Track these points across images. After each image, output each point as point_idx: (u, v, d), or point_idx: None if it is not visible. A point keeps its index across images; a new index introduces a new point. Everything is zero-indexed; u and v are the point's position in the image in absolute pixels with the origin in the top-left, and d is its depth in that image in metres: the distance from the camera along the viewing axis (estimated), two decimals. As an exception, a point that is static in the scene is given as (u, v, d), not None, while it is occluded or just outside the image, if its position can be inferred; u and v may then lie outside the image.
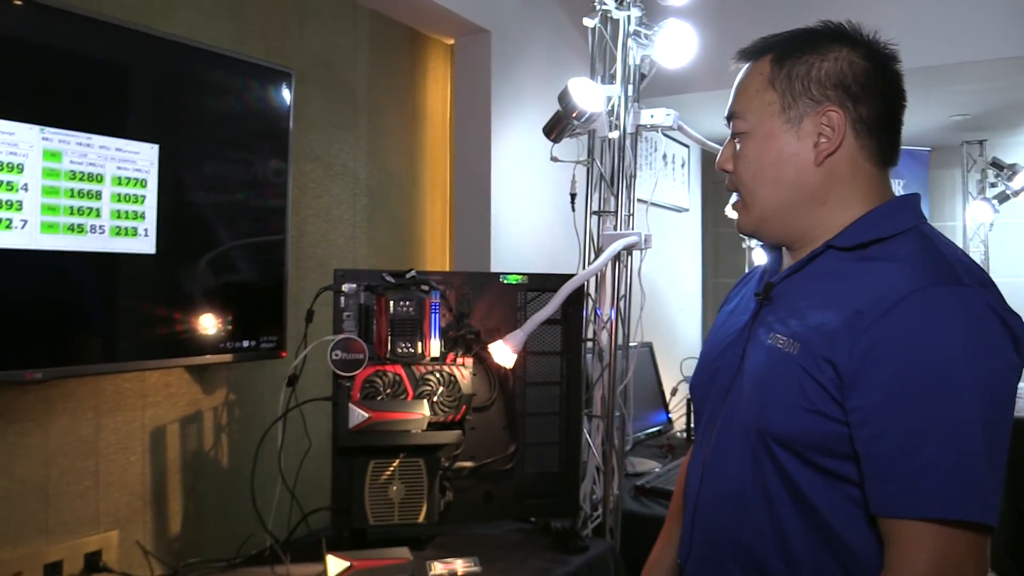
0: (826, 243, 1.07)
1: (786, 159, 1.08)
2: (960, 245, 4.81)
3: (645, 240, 2.19)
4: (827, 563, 1.00)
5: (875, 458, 0.95)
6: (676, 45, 2.23)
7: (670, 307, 4.40)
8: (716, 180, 5.39)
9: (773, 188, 1.10)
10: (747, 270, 1.69)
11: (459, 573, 1.74)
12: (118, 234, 1.65)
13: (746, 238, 4.90)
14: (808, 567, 1.01)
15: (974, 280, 0.97)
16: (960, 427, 0.91)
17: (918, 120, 4.39)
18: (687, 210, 4.64)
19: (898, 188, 4.97)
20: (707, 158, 5.00)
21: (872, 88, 1.07)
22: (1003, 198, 4.59)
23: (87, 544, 1.73)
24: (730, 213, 3.22)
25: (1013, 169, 4.53)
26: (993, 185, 4.69)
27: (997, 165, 4.58)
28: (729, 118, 1.14)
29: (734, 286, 1.35)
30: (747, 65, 1.14)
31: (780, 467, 1.03)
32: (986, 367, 0.93)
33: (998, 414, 0.93)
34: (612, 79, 2.30)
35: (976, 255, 4.80)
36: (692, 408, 1.49)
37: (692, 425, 1.43)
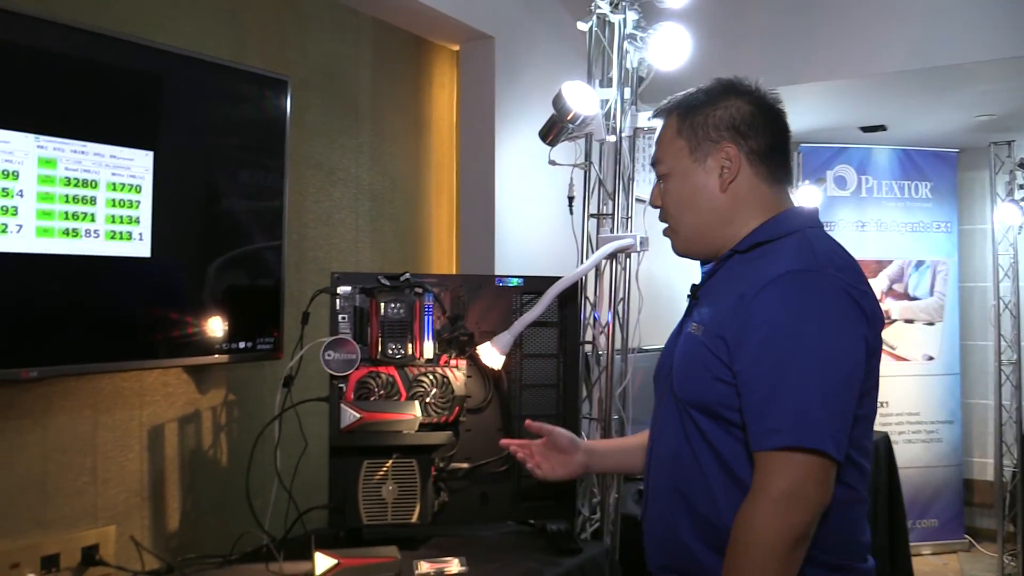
0: (731, 250, 1.35)
1: (699, 190, 1.35)
2: (989, 249, 4.77)
3: (641, 242, 2.19)
4: (734, 494, 1.24)
5: (748, 407, 1.21)
6: (671, 48, 2.23)
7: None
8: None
9: (692, 215, 1.37)
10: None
11: (445, 573, 1.76)
12: (113, 238, 1.71)
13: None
14: (722, 498, 1.26)
15: (832, 267, 1.23)
16: (803, 377, 1.17)
17: (944, 120, 4.32)
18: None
19: (925, 191, 4.89)
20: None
21: (757, 126, 1.33)
22: (1032, 200, 4.50)
23: (84, 538, 1.79)
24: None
25: (1043, 170, 4.44)
26: (1022, 187, 4.59)
27: (1025, 166, 4.49)
28: (653, 164, 1.41)
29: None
30: (661, 121, 1.41)
31: (697, 426, 1.29)
32: (829, 334, 1.19)
33: (839, 365, 1.19)
34: (610, 82, 2.32)
35: (1005, 259, 4.69)
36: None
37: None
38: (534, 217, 2.91)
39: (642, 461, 1.53)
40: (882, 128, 4.35)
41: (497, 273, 2.69)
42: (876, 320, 1.26)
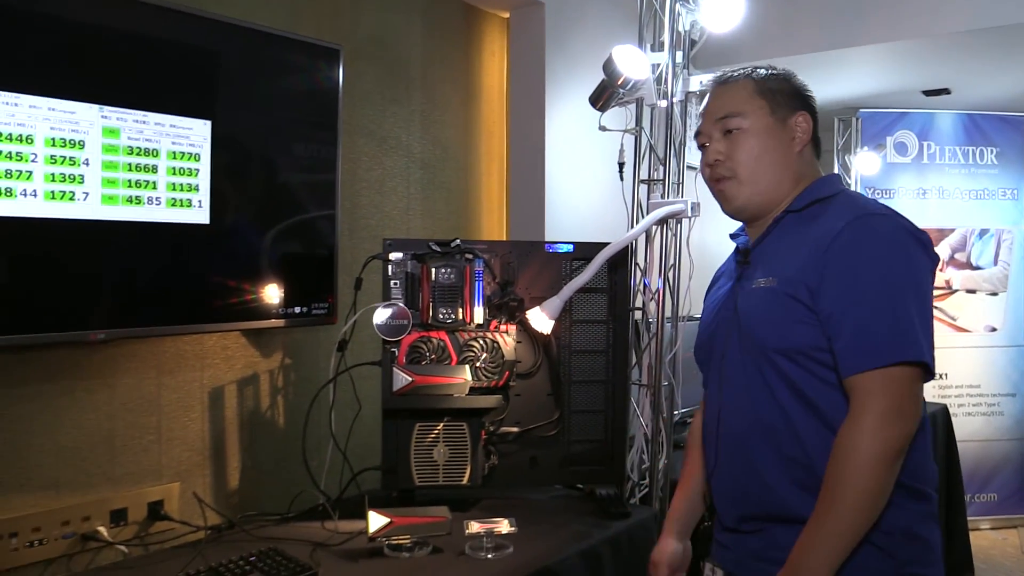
0: (784, 210, 1.45)
1: (777, 148, 1.45)
2: (1058, 215, 4.59)
3: (692, 208, 2.17)
4: (820, 432, 1.33)
5: (840, 335, 1.29)
6: (724, 9, 2.19)
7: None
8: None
9: (768, 170, 1.45)
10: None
11: (496, 532, 1.79)
12: (174, 205, 1.76)
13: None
14: (809, 437, 1.35)
15: (889, 211, 1.38)
16: (894, 298, 1.28)
17: (1012, 83, 4.15)
18: (761, 182, 4.54)
19: (991, 156, 4.73)
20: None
21: (812, 107, 1.51)
22: (1105, 165, 4.32)
23: (150, 494, 1.87)
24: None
25: (1117, 134, 4.25)
26: (1094, 151, 4.41)
27: (1098, 130, 4.30)
28: (723, 117, 1.47)
29: (714, 278, 1.69)
30: (725, 87, 1.50)
31: (780, 371, 1.36)
32: (905, 261, 1.31)
33: (919, 292, 1.31)
34: (661, 46, 2.29)
35: (1077, 226, 4.53)
36: (698, 365, 1.62)
37: (703, 377, 1.59)
38: (584, 183, 2.90)
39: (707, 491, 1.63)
40: (946, 92, 4.20)
41: (547, 240, 2.70)
42: (935, 260, 1.37)
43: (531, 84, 2.75)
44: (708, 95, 1.55)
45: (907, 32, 3.24)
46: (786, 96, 1.48)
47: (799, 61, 3.51)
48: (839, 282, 1.31)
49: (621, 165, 2.30)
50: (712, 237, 2.33)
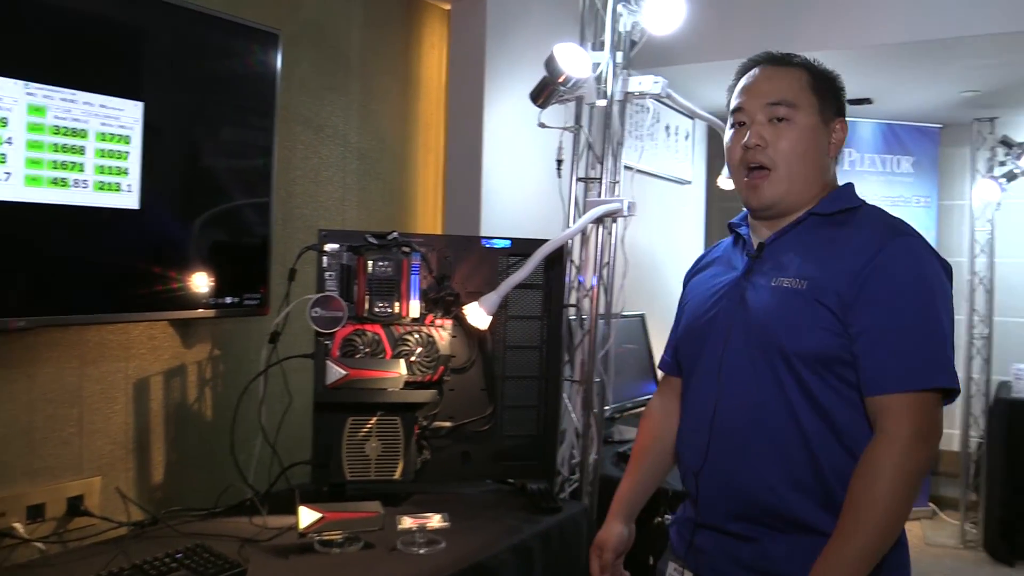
0: (808, 211, 1.44)
1: (819, 147, 1.45)
2: (967, 224, 4.83)
3: (629, 207, 2.21)
4: (830, 442, 1.35)
5: (873, 353, 1.31)
6: (664, 11, 2.22)
7: (670, 281, 4.41)
8: (722, 154, 5.36)
9: (805, 166, 1.43)
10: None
11: (428, 527, 1.79)
12: (101, 189, 1.70)
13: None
14: (817, 445, 1.35)
15: (918, 233, 1.39)
16: (930, 325, 1.31)
17: (929, 95, 4.34)
18: (689, 183, 4.63)
19: (907, 165, 4.93)
20: (713, 132, 4.98)
21: (845, 115, 1.51)
22: (1011, 177, 4.54)
23: (70, 488, 1.80)
24: (724, 184, 3.22)
25: (1023, 148, 4.48)
26: (1002, 164, 4.63)
27: (1007, 143, 4.52)
28: (775, 103, 1.43)
29: (699, 262, 1.69)
30: (780, 70, 1.46)
31: (797, 376, 1.35)
32: (939, 285, 1.34)
33: (948, 315, 1.35)
34: (602, 46, 2.31)
35: (982, 235, 4.76)
36: (682, 350, 1.59)
37: (686, 363, 1.57)
38: (521, 179, 2.91)
39: (660, 473, 1.69)
40: (868, 101, 4.36)
41: (482, 235, 2.69)
42: (950, 274, 1.42)
43: (471, 78, 2.74)
44: (756, 71, 1.48)
45: (836, 43, 3.35)
46: (833, 99, 1.46)
47: (733, 65, 3.59)
48: (880, 301, 1.31)
49: (559, 162, 2.32)
50: (643, 236, 2.36)
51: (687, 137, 4.54)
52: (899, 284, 1.31)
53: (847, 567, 1.26)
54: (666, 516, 1.70)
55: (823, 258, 1.38)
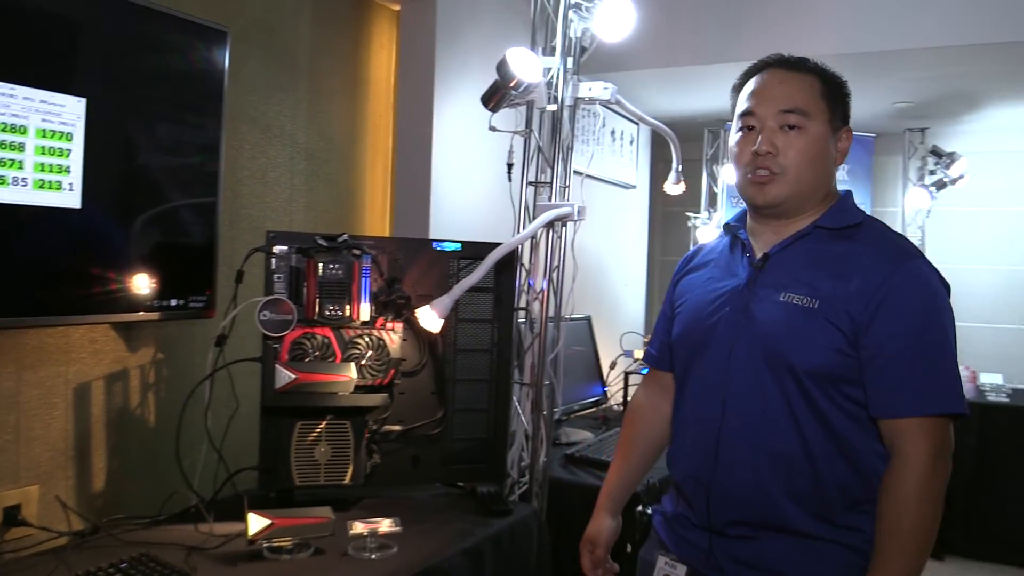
0: (814, 224, 1.45)
1: (826, 155, 1.44)
2: (899, 230, 4.98)
3: (579, 212, 2.22)
4: (835, 458, 1.38)
5: (887, 376, 1.33)
6: (615, 19, 2.24)
7: (615, 283, 4.46)
8: (665, 160, 5.45)
9: (812, 172, 1.43)
10: (692, 247, 1.80)
11: (380, 532, 1.77)
12: (42, 187, 1.64)
13: (693, 217, 4.97)
14: (821, 460, 1.38)
15: (922, 255, 1.42)
16: (944, 350, 1.34)
17: (864, 106, 4.48)
18: (634, 187, 4.69)
19: (842, 174, 5.08)
20: (658, 137, 5.05)
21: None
22: (940, 185, 4.71)
23: (6, 498, 1.73)
24: (671, 190, 3.26)
25: (951, 157, 4.65)
26: (932, 172, 4.81)
27: (936, 153, 4.70)
28: (787, 111, 1.42)
29: (690, 261, 1.67)
30: (793, 75, 1.45)
31: (805, 392, 1.37)
32: (948, 308, 1.37)
33: (955, 337, 1.38)
34: (553, 51, 2.32)
35: (914, 240, 4.92)
36: (678, 353, 1.60)
37: (685, 364, 1.58)
38: (470, 182, 2.91)
39: (647, 466, 1.72)
40: (806, 110, 4.48)
41: (431, 237, 2.69)
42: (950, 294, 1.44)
43: (420, 80, 2.73)
44: (767, 74, 1.46)
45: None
46: (841, 106, 1.46)
47: (678, 72, 3.66)
48: (896, 325, 1.33)
49: (510, 166, 2.32)
50: (590, 239, 2.38)
51: (632, 142, 4.60)
52: (913, 309, 1.34)
53: None
54: (648, 507, 1.73)
55: (833, 276, 1.38)
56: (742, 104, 1.47)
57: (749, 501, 1.42)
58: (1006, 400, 4.37)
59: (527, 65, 2.14)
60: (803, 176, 1.42)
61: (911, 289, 1.34)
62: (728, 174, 3.12)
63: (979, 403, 4.34)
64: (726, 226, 1.60)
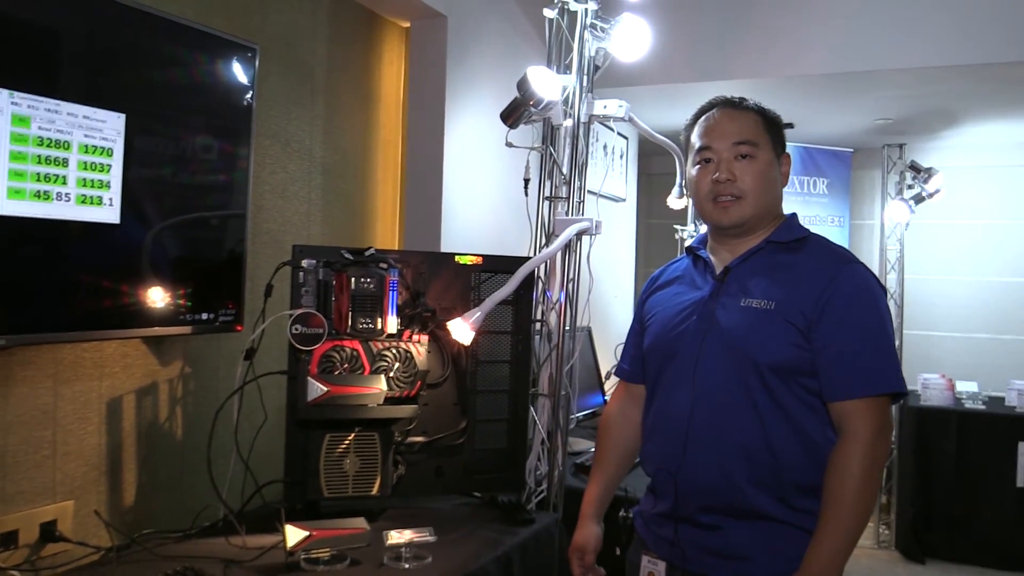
0: (765, 239, 1.63)
1: (776, 179, 1.66)
2: (877, 243, 5.14)
3: (596, 226, 2.28)
4: (792, 442, 1.53)
5: (838, 364, 1.49)
6: (632, 39, 2.31)
7: (606, 294, 4.52)
8: (651, 173, 5.54)
9: (767, 195, 1.63)
10: (657, 270, 1.91)
11: (415, 542, 1.80)
12: (84, 202, 1.65)
13: (680, 229, 5.06)
14: (780, 447, 1.52)
15: (859, 260, 1.59)
16: (883, 338, 1.52)
17: (845, 122, 4.61)
18: (624, 200, 4.77)
19: (822, 187, 5.21)
20: (643, 150, 5.13)
21: None
22: (919, 199, 4.85)
23: (43, 514, 1.73)
24: (675, 204, 3.35)
25: (929, 172, 4.79)
26: (910, 187, 4.95)
27: (915, 168, 4.83)
28: (740, 143, 1.62)
29: (657, 280, 1.84)
30: (739, 112, 1.66)
31: (766, 385, 1.53)
32: (884, 304, 1.56)
33: (892, 328, 1.57)
34: (568, 69, 2.38)
35: (892, 253, 5.07)
36: (650, 362, 1.74)
37: (657, 370, 1.72)
38: (480, 196, 2.95)
39: (624, 473, 1.85)
40: (791, 126, 4.60)
41: (442, 250, 2.72)
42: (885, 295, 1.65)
43: (431, 95, 2.77)
44: (716, 113, 1.66)
45: (767, 72, 3.55)
46: (780, 138, 1.68)
47: (674, 88, 3.75)
48: (841, 320, 1.50)
49: (527, 181, 2.37)
50: (602, 254, 2.44)
51: (622, 156, 4.67)
52: (855, 304, 1.52)
53: (838, 556, 1.46)
54: (629, 512, 1.84)
55: (785, 282, 1.57)
56: (698, 141, 1.67)
57: (715, 488, 1.56)
58: (983, 408, 4.49)
59: (548, 83, 2.19)
60: (760, 197, 1.61)
61: (852, 288, 1.52)
62: (673, 200, 3.32)
63: (957, 410, 4.46)
64: (688, 248, 1.78)
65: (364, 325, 1.98)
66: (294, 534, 1.74)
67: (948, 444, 4.40)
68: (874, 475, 1.48)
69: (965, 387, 4.74)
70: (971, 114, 4.40)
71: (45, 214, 1.58)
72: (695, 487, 1.58)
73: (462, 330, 1.99)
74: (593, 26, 2.34)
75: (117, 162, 1.70)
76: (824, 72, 3.52)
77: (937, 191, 4.81)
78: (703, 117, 1.68)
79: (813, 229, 1.69)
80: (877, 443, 1.48)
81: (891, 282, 5.04)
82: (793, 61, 3.51)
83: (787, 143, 1.73)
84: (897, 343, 5.02)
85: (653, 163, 5.39)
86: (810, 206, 5.17)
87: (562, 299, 2.35)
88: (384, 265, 2.02)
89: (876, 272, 5.12)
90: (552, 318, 2.39)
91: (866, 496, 1.47)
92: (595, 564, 1.78)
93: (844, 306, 1.51)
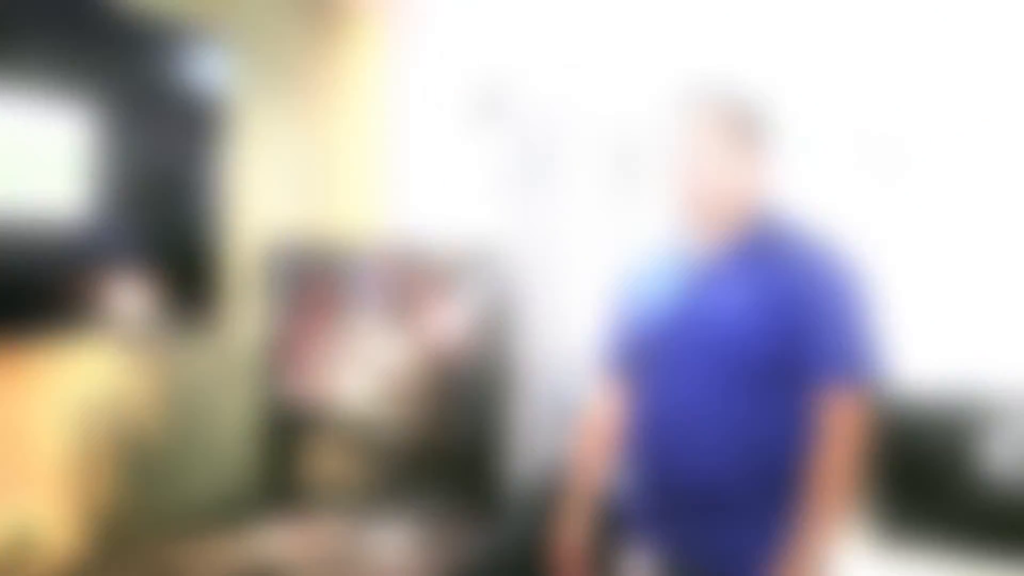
0: (744, 236, 1.62)
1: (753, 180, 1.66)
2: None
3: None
4: (776, 435, 1.55)
5: (823, 352, 1.53)
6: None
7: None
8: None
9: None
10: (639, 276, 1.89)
11: (397, 542, 1.77)
12: (48, 200, 1.60)
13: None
14: (771, 443, 1.55)
15: (838, 257, 1.62)
16: (866, 327, 1.56)
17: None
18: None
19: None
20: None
21: None
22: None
23: (10, 524, 1.67)
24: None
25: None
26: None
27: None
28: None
29: (640, 286, 1.77)
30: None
31: (755, 381, 1.55)
32: (863, 296, 1.58)
33: (874, 318, 1.60)
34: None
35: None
36: (633, 359, 1.72)
37: (642, 372, 1.71)
38: (454, 189, 2.90)
39: (607, 470, 1.82)
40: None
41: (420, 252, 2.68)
42: None
43: (402, 88, 2.74)
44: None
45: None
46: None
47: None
48: (821, 311, 1.55)
49: (505, 176, 2.34)
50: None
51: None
52: (834, 298, 1.56)
53: (822, 543, 1.50)
54: (617, 514, 1.82)
55: (770, 278, 1.59)
56: None
57: (700, 481, 1.58)
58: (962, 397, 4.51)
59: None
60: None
61: (826, 279, 1.57)
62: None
63: (938, 400, 4.47)
64: (667, 246, 1.78)
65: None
66: (277, 536, 1.71)
67: (930, 434, 4.40)
68: (858, 466, 1.52)
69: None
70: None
71: (9, 212, 1.53)
72: (682, 483, 1.60)
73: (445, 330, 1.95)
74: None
75: (84, 157, 1.66)
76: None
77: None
78: None
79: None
80: (860, 435, 1.52)
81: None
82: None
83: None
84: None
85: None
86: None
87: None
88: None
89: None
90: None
91: (851, 487, 1.51)
92: (586, 563, 1.76)
93: (822, 299, 1.55)
